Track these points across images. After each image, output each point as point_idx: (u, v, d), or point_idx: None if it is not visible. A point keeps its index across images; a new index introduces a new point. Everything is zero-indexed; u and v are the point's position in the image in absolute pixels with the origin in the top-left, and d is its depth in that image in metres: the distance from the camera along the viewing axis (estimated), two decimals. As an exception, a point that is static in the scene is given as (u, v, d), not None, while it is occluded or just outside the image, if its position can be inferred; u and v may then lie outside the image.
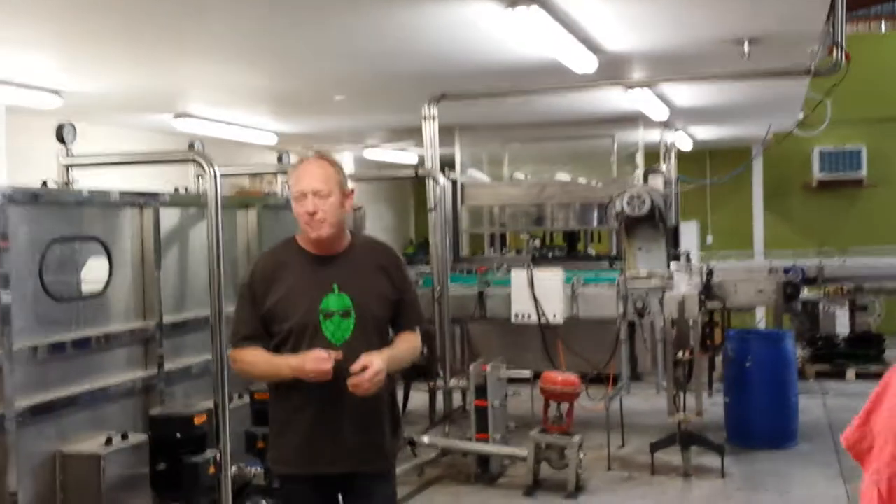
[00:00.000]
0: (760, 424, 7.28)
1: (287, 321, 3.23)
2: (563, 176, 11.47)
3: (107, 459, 4.31)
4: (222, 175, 6.45)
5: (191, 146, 5.12)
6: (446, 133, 10.77)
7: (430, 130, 6.97)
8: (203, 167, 4.68)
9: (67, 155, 4.96)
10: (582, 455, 6.34)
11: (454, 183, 10.32)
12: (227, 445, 4.57)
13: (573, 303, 7.12)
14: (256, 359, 3.27)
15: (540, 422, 6.44)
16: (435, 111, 7.02)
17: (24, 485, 4.25)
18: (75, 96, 7.29)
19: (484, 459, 6.62)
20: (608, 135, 10.70)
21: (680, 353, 6.51)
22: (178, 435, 4.39)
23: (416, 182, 10.44)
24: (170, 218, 5.54)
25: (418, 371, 7.05)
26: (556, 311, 6.92)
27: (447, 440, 6.76)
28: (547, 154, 11.65)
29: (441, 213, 6.92)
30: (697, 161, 13.32)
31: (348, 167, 14.16)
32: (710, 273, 7.56)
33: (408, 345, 3.42)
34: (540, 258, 10.26)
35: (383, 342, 3.32)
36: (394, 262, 3.47)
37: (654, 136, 10.99)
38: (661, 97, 8.50)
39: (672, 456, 6.76)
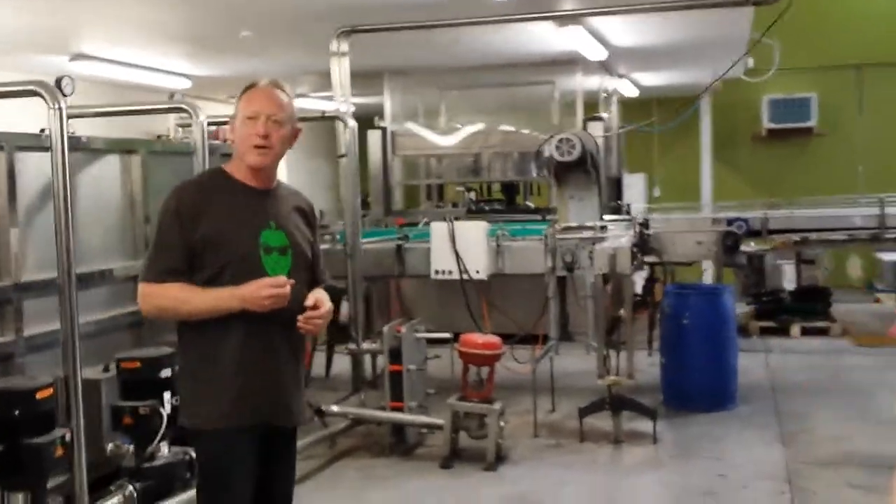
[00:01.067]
0: (697, 386, 6.84)
1: (224, 251, 2.93)
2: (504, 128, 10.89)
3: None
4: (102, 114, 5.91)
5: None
6: (374, 79, 10.17)
7: (340, 69, 6.34)
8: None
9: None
10: (503, 423, 5.84)
11: (384, 131, 9.73)
12: (81, 423, 3.98)
13: (498, 257, 6.59)
14: (186, 293, 2.90)
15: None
16: (345, 46, 6.39)
17: None
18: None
19: (399, 429, 6.10)
20: (548, 81, 10.11)
21: (614, 312, 6.04)
22: (17, 412, 3.77)
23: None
24: (34, 164, 4.86)
25: (343, 331, 6.54)
26: (479, 267, 6.39)
27: (357, 409, 6.22)
28: (486, 105, 10.99)
29: (351, 160, 6.30)
30: (643, 110, 12.74)
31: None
32: (645, 224, 7.06)
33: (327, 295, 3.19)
34: (476, 211, 9.73)
35: (310, 288, 3.12)
36: (311, 208, 3.27)
37: (595, 82, 10.42)
38: (596, 35, 7.91)
39: (604, 421, 6.29)
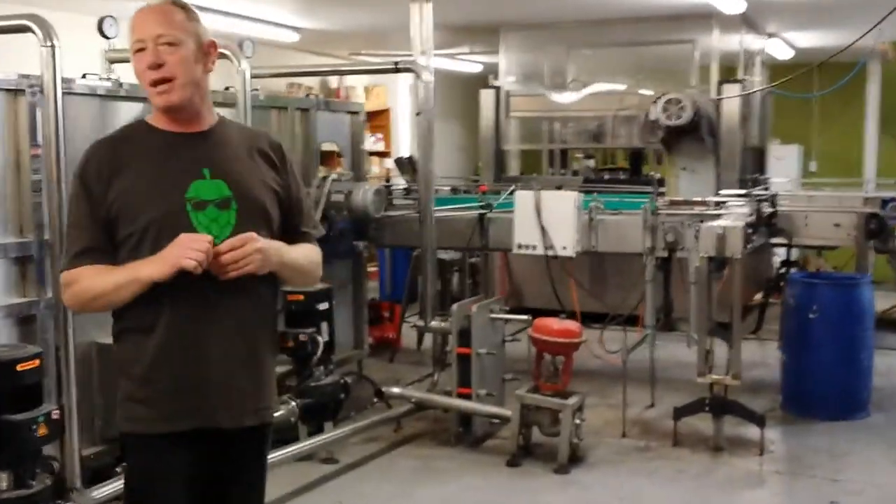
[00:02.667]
0: (822, 389, 5.91)
1: (140, 217, 2.34)
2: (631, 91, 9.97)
3: None
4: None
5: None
6: (490, 34, 9.51)
7: (422, 14, 5.72)
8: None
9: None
10: (579, 420, 5.15)
11: (496, 91, 9.07)
12: (72, 398, 3.62)
13: (591, 233, 5.85)
14: (99, 274, 2.34)
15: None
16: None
17: None
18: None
19: (467, 418, 5.52)
20: (684, 40, 9.12)
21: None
22: (-1, 386, 3.46)
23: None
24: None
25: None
26: (566, 242, 5.68)
27: (419, 393, 5.68)
28: (614, 65, 10.08)
29: (426, 117, 5.69)
30: (801, 76, 11.48)
31: (406, 78, 13.01)
32: (772, 201, 6.14)
33: (304, 250, 2.58)
34: (596, 181, 8.94)
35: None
36: (276, 146, 2.60)
37: (737, 41, 9.32)
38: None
39: (707, 423, 5.51)
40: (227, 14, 8.26)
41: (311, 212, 2.74)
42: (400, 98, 12.90)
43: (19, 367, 3.48)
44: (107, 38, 4.87)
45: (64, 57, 4.66)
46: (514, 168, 9.77)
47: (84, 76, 4.64)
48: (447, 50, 11.48)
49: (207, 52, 2.42)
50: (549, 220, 5.67)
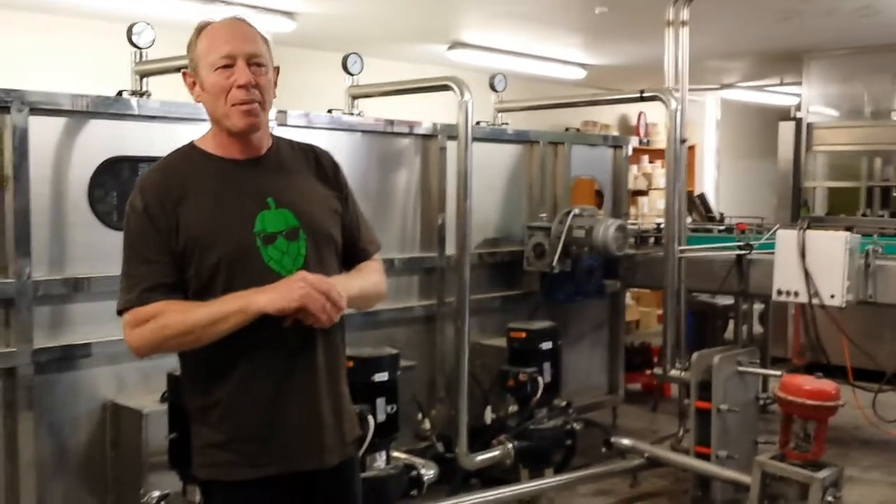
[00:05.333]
0: None
1: (209, 254, 2.21)
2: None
3: None
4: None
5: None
6: (794, 62, 8.71)
7: (674, 39, 5.33)
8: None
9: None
10: (832, 498, 4.41)
11: (797, 123, 8.27)
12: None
13: (868, 280, 5.05)
14: (185, 306, 2.18)
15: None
16: (684, 14, 5.36)
17: None
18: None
19: (706, 481, 4.98)
20: None
21: None
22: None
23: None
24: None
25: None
26: (834, 290, 4.94)
27: (649, 446, 5.21)
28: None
29: (674, 148, 5.25)
30: None
31: (713, 112, 12.36)
32: None
33: (374, 276, 2.47)
34: (916, 222, 7.80)
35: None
36: (330, 161, 2.48)
37: None
38: None
39: None
40: (516, 54, 8.37)
41: (368, 226, 2.55)
42: (707, 133, 12.29)
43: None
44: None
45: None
46: (819, 207, 8.82)
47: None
48: (755, 82, 10.76)
49: (277, 75, 2.35)
50: (814, 263, 4.98)
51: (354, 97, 5.17)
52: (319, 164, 2.44)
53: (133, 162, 4.02)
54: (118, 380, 3.97)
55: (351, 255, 2.46)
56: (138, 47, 4.20)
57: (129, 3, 6.04)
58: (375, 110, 5.23)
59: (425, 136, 5.22)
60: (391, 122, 5.04)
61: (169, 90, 3.71)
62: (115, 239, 3.80)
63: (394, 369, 4.16)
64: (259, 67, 2.25)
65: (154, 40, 4.23)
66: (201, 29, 2.30)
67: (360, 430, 2.60)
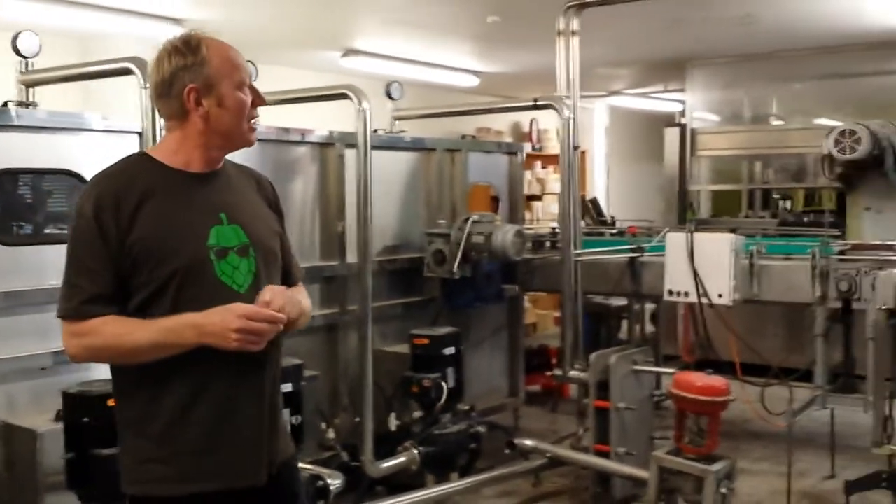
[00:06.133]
0: None
1: (163, 265, 2.17)
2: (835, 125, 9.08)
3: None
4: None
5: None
6: (678, 70, 9.04)
7: (565, 48, 5.47)
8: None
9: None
10: (725, 490, 4.59)
11: (682, 128, 8.58)
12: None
13: (753, 279, 5.29)
14: (126, 330, 2.14)
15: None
16: (574, 24, 5.51)
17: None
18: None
19: (605, 478, 5.12)
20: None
21: None
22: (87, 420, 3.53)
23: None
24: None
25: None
26: (722, 289, 5.16)
27: (551, 446, 5.33)
28: (825, 100, 9.28)
29: (567, 154, 5.39)
30: None
31: (602, 118, 12.68)
32: (980, 247, 5.30)
33: (306, 299, 2.47)
34: (794, 223, 8.20)
35: None
36: (272, 189, 2.52)
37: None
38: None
39: (888, 500, 4.79)
40: (409, 62, 8.41)
41: (295, 254, 2.60)
42: (597, 139, 12.61)
43: (110, 402, 3.54)
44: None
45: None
46: (704, 210, 9.17)
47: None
48: (641, 89, 11.11)
49: None
50: (702, 264, 5.19)
51: (252, 105, 5.09)
52: (262, 187, 2.48)
53: (14, 174, 3.89)
54: (9, 399, 3.85)
55: (284, 279, 2.45)
56: (24, 56, 4.06)
57: (13, 11, 5.82)
58: (269, 118, 5.17)
59: (322, 144, 5.22)
60: (286, 130, 5.02)
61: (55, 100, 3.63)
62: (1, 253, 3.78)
63: (297, 380, 4.16)
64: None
65: (41, 49, 4.10)
66: (198, 42, 2.28)
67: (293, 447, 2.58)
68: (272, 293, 2.20)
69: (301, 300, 2.39)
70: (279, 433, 2.40)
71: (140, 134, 3.85)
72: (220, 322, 2.12)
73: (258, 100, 2.34)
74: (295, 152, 5.12)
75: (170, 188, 2.26)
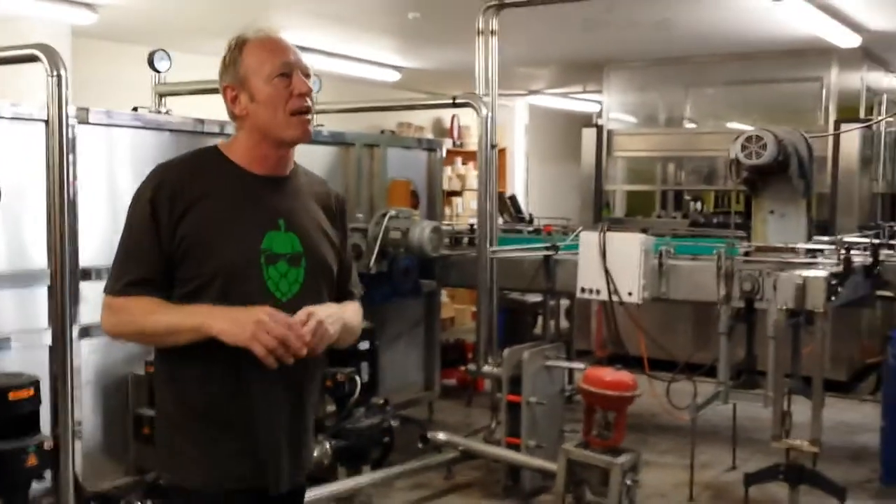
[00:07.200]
0: (924, 463, 5.25)
1: (209, 262, 2.17)
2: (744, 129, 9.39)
3: None
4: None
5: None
6: (595, 72, 9.22)
7: (484, 47, 5.54)
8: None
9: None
10: (630, 482, 4.73)
11: (598, 129, 8.76)
12: (71, 429, 3.60)
13: (662, 278, 5.45)
14: (153, 311, 2.15)
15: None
16: (494, 24, 5.58)
17: None
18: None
19: (516, 471, 5.21)
20: (813, 78, 8.54)
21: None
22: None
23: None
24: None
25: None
26: (632, 288, 5.30)
27: (463, 440, 5.41)
28: (736, 105, 9.58)
29: (485, 152, 5.47)
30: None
31: (522, 116, 12.85)
32: (875, 249, 5.55)
33: (355, 316, 2.44)
34: (705, 224, 8.45)
35: None
36: (341, 201, 2.50)
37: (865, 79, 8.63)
38: (840, 16, 6.41)
39: (785, 491, 4.98)
40: (329, 55, 8.38)
41: (355, 270, 2.59)
42: (517, 137, 12.76)
43: (12, 396, 3.48)
44: (157, 71, 4.97)
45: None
46: (619, 209, 9.38)
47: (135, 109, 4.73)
48: (560, 89, 11.28)
49: None
50: (614, 263, 5.32)
51: (162, 95, 5.03)
52: (329, 199, 2.44)
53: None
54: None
55: (340, 294, 2.44)
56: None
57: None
58: (185, 108, 5.11)
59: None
60: (201, 122, 4.94)
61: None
62: None
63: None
64: (307, 78, 2.25)
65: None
66: (241, 45, 2.24)
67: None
68: (308, 314, 2.15)
69: (347, 317, 2.34)
70: (308, 448, 2.43)
71: (46, 122, 3.76)
72: (245, 311, 2.09)
73: (297, 88, 2.22)
74: (210, 144, 5.05)
75: (232, 187, 2.25)
